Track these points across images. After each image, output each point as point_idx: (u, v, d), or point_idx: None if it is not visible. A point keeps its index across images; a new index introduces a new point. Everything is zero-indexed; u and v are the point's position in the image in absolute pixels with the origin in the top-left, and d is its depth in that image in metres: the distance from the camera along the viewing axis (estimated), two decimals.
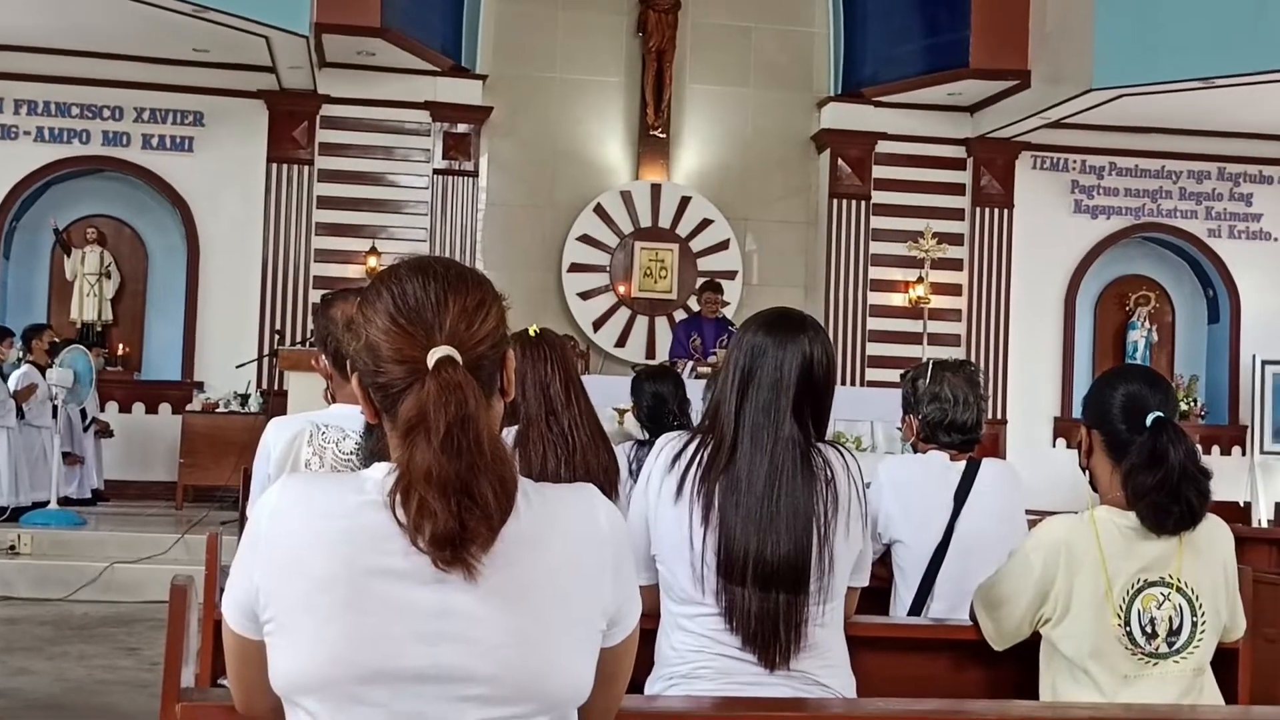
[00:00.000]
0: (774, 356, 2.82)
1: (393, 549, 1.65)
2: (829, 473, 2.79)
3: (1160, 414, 2.86)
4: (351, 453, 3.27)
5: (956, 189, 15.25)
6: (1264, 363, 14.75)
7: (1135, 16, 12.32)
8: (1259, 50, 11.81)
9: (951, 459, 3.94)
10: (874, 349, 14.95)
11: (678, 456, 2.85)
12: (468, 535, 1.63)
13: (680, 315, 14.32)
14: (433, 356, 1.69)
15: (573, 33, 14.97)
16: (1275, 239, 15.56)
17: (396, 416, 1.71)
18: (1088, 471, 3.06)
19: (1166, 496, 2.82)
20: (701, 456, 2.82)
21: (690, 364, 11.89)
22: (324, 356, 3.50)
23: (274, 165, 14.07)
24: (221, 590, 1.85)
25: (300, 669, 1.68)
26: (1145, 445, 2.83)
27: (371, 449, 1.81)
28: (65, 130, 13.84)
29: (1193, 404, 14.97)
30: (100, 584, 9.99)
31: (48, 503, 11.26)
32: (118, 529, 11.13)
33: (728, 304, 13.48)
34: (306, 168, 14.13)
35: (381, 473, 1.71)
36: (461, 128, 14.47)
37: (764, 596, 2.72)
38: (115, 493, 13.28)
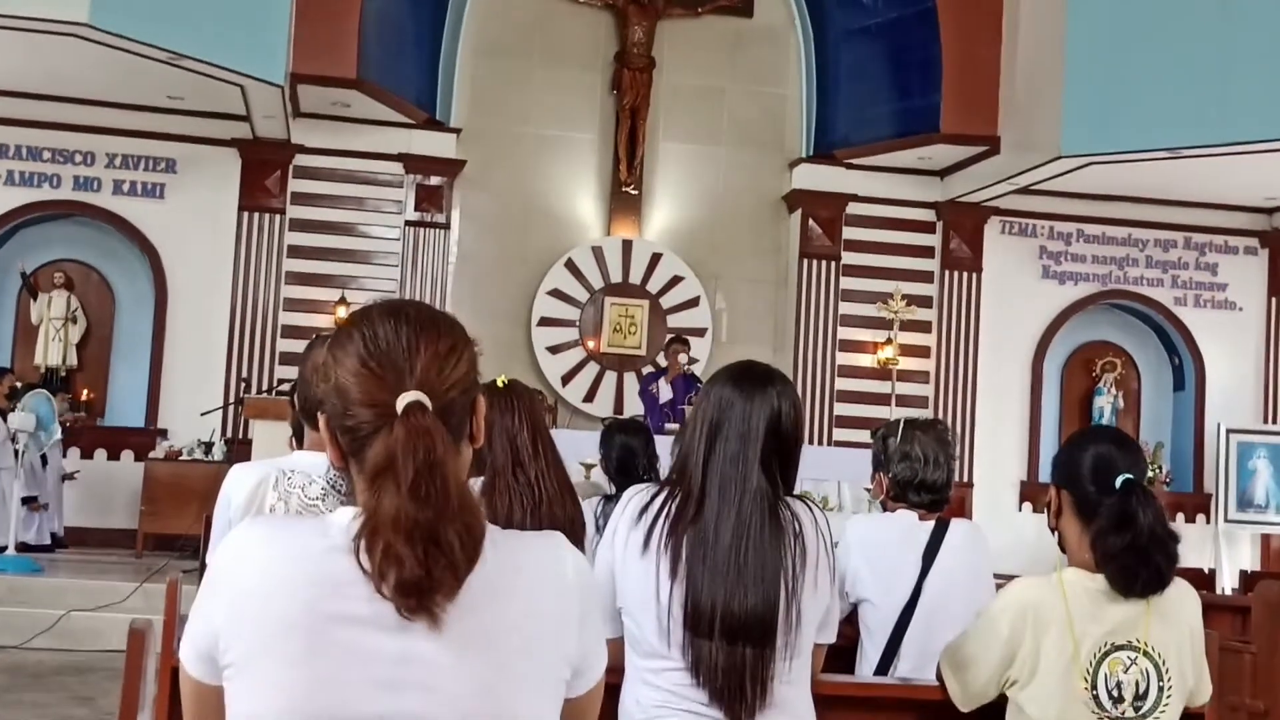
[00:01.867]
0: (742, 409, 2.82)
1: (355, 595, 1.63)
2: (797, 526, 2.78)
3: (1130, 476, 2.86)
4: (317, 497, 3.24)
5: (926, 252, 15.34)
6: (1229, 431, 14.85)
7: (1104, 86, 12.48)
8: (1225, 122, 11.97)
9: (920, 519, 3.93)
10: (842, 409, 14.97)
11: (645, 509, 2.83)
12: (433, 583, 1.60)
13: (648, 369, 14.28)
14: (402, 401, 1.67)
15: (547, 89, 15.06)
16: (1241, 309, 15.69)
17: (364, 461, 1.69)
18: (1057, 532, 3.05)
19: (1135, 559, 2.81)
20: (669, 509, 2.81)
21: (659, 379, 12.15)
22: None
23: (245, 213, 14.05)
24: (180, 639, 1.81)
25: (259, 715, 1.64)
26: (1114, 507, 2.83)
27: (350, 488, 1.78)
28: (36, 174, 13.79)
29: (1158, 471, 15.04)
30: (56, 632, 9.86)
31: (5, 548, 11.12)
32: (75, 576, 11.00)
33: (696, 360, 13.48)
34: (278, 217, 14.11)
35: (347, 517, 1.69)
36: (434, 180, 14.50)
37: (730, 650, 2.70)
38: (75, 539, 13.13)
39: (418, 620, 1.62)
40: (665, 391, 12.70)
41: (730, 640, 2.70)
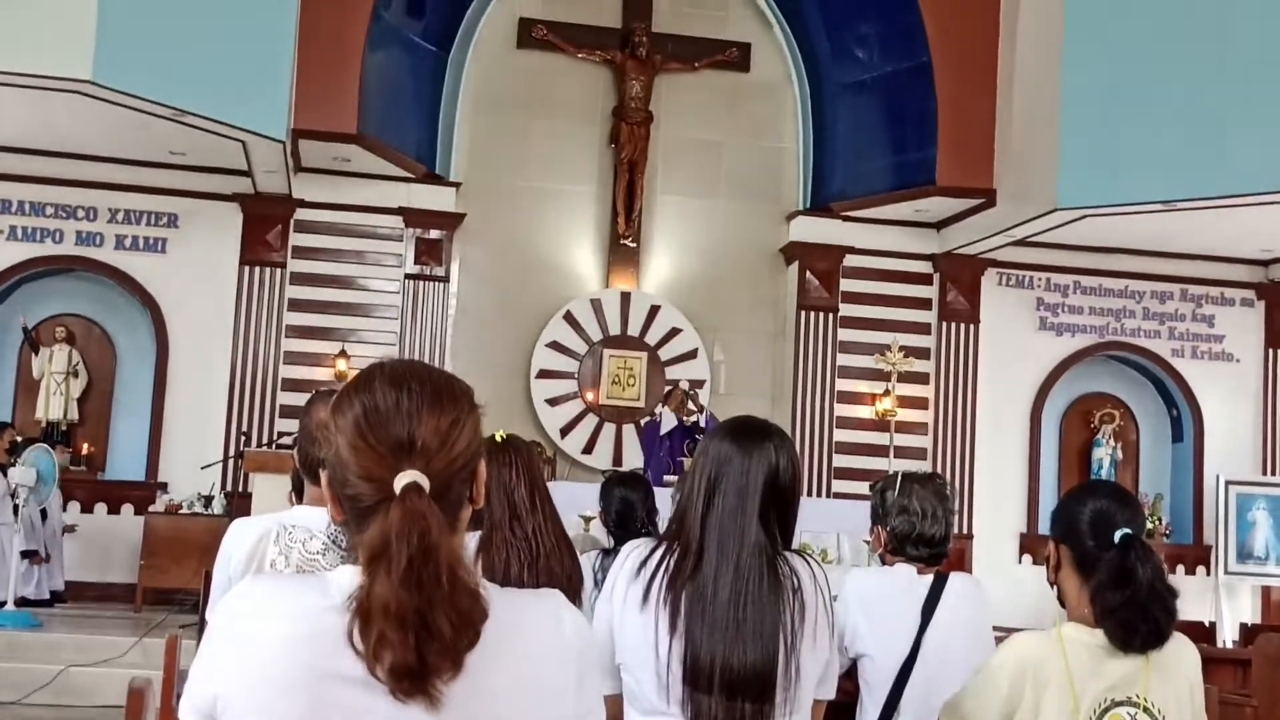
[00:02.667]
0: (739, 464, 2.84)
1: (351, 654, 1.63)
2: (795, 581, 2.79)
3: (1128, 531, 2.87)
4: (318, 552, 3.24)
5: (923, 304, 15.37)
6: (1228, 483, 14.82)
7: (1099, 139, 12.52)
8: (1220, 175, 11.99)
9: (919, 572, 3.94)
10: (840, 461, 14.96)
11: (643, 564, 2.85)
12: (428, 668, 1.61)
13: (647, 420, 14.28)
14: (400, 481, 1.68)
15: (546, 143, 15.14)
16: (1238, 360, 15.70)
17: (363, 530, 1.69)
18: (1056, 586, 3.06)
19: (1134, 614, 2.82)
20: (668, 563, 2.82)
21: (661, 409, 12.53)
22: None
23: (246, 267, 14.08)
24: (179, 695, 1.82)
25: None
26: (1113, 562, 2.84)
27: (350, 540, 1.78)
28: (38, 229, 13.84)
29: (1157, 523, 15.00)
30: (54, 688, 9.80)
31: (4, 603, 11.08)
32: (74, 631, 10.94)
33: (703, 408, 13.50)
34: (279, 270, 14.15)
35: (347, 578, 1.69)
36: (434, 233, 14.56)
37: (730, 705, 2.70)
38: (74, 594, 13.06)
39: (414, 703, 1.63)
40: (668, 419, 12.86)
41: (730, 695, 2.70)
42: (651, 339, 15.01)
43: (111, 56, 10.53)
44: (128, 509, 13.78)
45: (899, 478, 4.05)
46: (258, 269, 14.11)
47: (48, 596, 12.51)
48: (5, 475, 11.45)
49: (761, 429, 2.94)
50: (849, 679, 3.88)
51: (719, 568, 2.77)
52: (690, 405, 13.11)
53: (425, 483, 1.68)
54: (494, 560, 3.37)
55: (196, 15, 11.15)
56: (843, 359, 15.13)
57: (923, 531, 3.94)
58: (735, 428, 2.96)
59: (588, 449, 14.81)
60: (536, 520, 3.44)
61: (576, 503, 9.57)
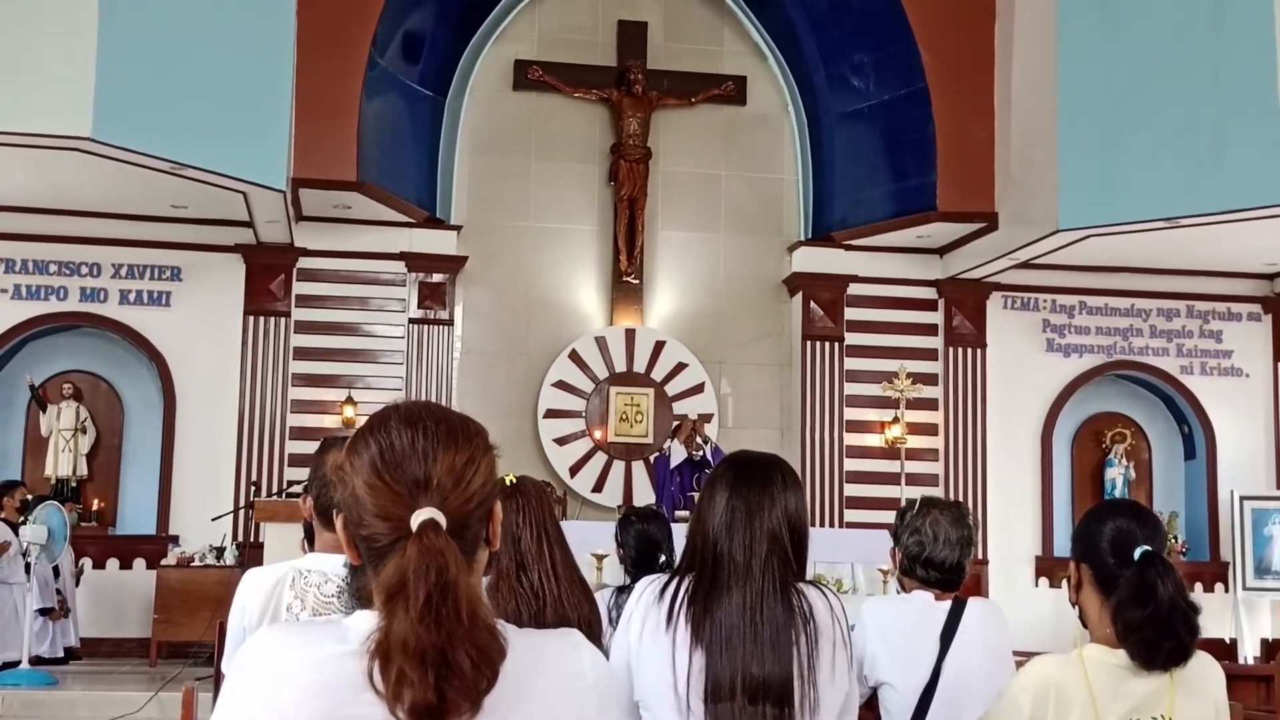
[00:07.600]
0: (745, 499, 2.84)
1: (370, 699, 1.62)
2: (808, 609, 2.79)
3: (1148, 548, 2.85)
4: (333, 596, 3.23)
5: (929, 329, 15.36)
6: (1242, 498, 14.75)
7: (1099, 158, 12.53)
8: (1221, 190, 11.98)
9: (936, 599, 3.92)
10: (851, 490, 14.91)
11: (663, 591, 2.86)
12: (447, 706, 1.59)
13: (655, 456, 14.27)
14: (416, 519, 1.67)
15: (545, 183, 15.19)
16: (1247, 375, 15.66)
17: (379, 571, 1.68)
18: (1078, 607, 3.04)
19: (1156, 631, 2.79)
20: (686, 589, 2.83)
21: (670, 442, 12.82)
22: (310, 499, 3.47)
23: (251, 318, 14.11)
24: None
25: None
26: (1133, 579, 2.82)
27: (358, 587, 1.77)
28: (43, 287, 13.87)
29: (1173, 541, 14.92)
30: None
31: (19, 662, 11.05)
32: (90, 688, 10.92)
33: (708, 440, 13.48)
34: (283, 319, 14.17)
35: (364, 623, 1.68)
36: (436, 277, 14.58)
37: (754, 710, 2.70)
38: (88, 650, 13.03)
39: None
40: (678, 452, 12.90)
41: (752, 700, 2.71)
42: (658, 375, 15.01)
43: (110, 113, 10.57)
44: (140, 563, 13.76)
45: (919, 500, 4.06)
46: (262, 319, 14.13)
47: (61, 654, 12.48)
48: (17, 534, 11.45)
49: (766, 461, 2.98)
50: (869, 708, 3.86)
51: (733, 583, 2.80)
52: (698, 439, 13.13)
53: (442, 520, 1.67)
54: (504, 611, 3.32)
55: (194, 69, 11.20)
56: (850, 388, 15.11)
57: (931, 555, 3.93)
58: (740, 460, 2.99)
59: (598, 487, 14.78)
60: (543, 567, 3.34)
61: (589, 542, 9.57)
